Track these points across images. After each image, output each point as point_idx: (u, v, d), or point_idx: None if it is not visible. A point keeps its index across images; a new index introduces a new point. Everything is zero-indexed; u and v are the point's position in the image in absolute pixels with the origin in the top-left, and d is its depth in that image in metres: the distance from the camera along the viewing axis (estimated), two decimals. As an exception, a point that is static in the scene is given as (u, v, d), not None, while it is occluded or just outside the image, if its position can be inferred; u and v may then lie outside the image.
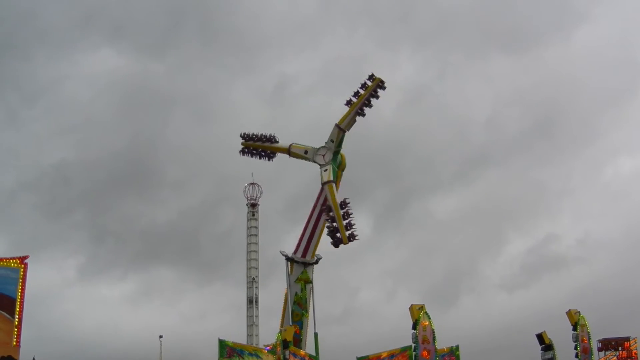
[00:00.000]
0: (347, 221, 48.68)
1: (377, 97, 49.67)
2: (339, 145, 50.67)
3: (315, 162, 50.82)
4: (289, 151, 51.91)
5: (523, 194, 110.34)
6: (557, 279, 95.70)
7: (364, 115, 49.91)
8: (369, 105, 49.67)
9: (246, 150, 53.06)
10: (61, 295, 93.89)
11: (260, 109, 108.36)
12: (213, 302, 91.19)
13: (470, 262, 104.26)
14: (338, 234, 48.62)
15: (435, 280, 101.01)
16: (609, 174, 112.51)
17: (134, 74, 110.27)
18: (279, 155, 52.81)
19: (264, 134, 52.54)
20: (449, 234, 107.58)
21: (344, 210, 49.02)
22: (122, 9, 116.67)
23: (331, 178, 49.82)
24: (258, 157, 53.14)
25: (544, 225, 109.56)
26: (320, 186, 50.57)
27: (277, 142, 52.28)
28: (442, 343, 46.44)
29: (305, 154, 51.38)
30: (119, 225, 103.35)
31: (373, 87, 49.25)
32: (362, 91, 49.32)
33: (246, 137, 52.77)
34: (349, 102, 49.72)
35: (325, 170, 50.33)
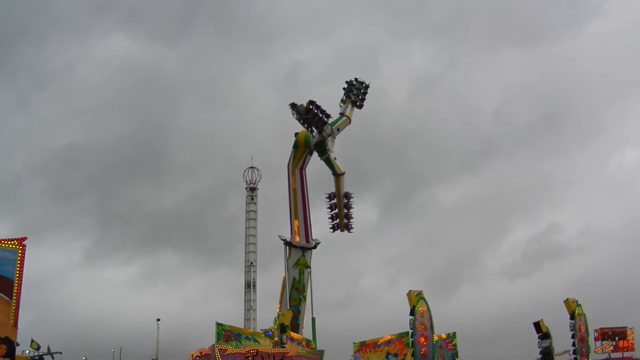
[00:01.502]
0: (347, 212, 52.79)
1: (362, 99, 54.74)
2: None
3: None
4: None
5: (528, 184, 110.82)
6: (558, 268, 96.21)
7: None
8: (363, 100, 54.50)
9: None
10: (66, 277, 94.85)
11: (270, 96, 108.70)
12: (217, 286, 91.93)
13: (473, 250, 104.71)
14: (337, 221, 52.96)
15: (438, 267, 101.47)
16: (613, 166, 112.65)
17: (145, 60, 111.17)
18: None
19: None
20: (453, 223, 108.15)
21: (347, 201, 52.65)
22: None
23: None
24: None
25: (547, 215, 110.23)
26: (297, 171, 52.18)
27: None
28: (443, 329, 46.93)
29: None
30: (127, 209, 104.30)
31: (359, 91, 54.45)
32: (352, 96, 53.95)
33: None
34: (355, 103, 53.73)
35: (336, 158, 52.15)
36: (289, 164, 52.43)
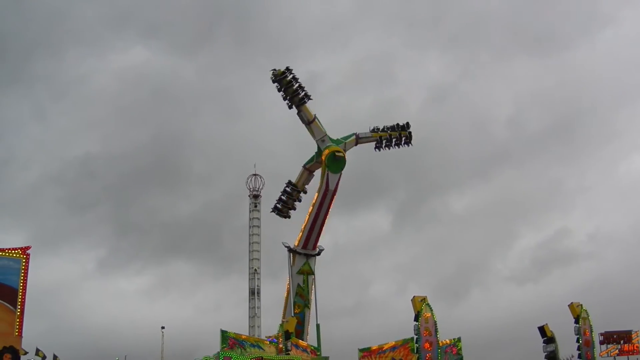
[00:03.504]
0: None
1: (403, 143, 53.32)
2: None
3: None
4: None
5: (539, 191, 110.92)
6: (566, 273, 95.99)
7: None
8: (390, 146, 53.32)
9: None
10: (80, 287, 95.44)
11: (286, 107, 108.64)
12: (228, 294, 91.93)
13: (482, 256, 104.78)
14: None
15: (448, 274, 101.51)
16: (622, 172, 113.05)
17: (163, 71, 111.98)
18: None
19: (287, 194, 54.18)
20: (464, 230, 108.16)
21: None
22: (157, 10, 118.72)
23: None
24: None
25: (557, 221, 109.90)
26: (322, 181, 51.50)
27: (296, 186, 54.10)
28: (451, 335, 46.68)
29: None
30: (143, 218, 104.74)
31: (397, 135, 53.18)
32: (391, 132, 52.97)
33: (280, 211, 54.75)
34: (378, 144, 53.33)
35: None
36: (335, 189, 50.90)
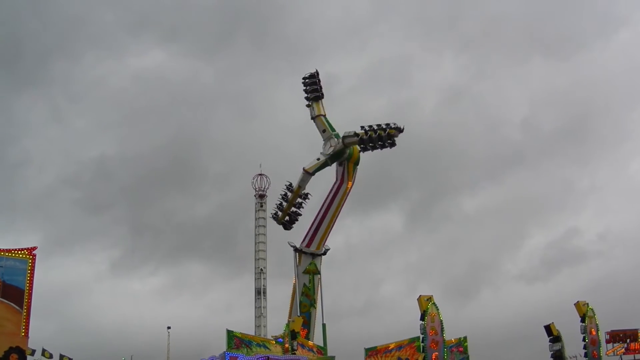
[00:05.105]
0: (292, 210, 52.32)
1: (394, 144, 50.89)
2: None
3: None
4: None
5: (550, 191, 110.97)
6: (575, 272, 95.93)
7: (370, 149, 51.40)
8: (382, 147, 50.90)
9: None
10: (94, 288, 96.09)
11: (301, 108, 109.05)
12: (240, 295, 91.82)
13: (492, 256, 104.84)
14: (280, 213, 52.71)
15: (458, 274, 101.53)
16: (633, 171, 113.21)
17: (180, 74, 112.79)
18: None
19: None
20: (475, 230, 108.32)
21: (299, 201, 52.05)
22: (175, 14, 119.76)
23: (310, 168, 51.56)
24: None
25: (567, 221, 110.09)
26: (335, 181, 52.14)
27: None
28: (460, 334, 46.76)
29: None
30: (158, 219, 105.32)
31: (387, 136, 50.30)
32: (382, 133, 50.12)
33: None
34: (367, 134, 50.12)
35: (318, 159, 51.81)
36: (351, 187, 52.19)
